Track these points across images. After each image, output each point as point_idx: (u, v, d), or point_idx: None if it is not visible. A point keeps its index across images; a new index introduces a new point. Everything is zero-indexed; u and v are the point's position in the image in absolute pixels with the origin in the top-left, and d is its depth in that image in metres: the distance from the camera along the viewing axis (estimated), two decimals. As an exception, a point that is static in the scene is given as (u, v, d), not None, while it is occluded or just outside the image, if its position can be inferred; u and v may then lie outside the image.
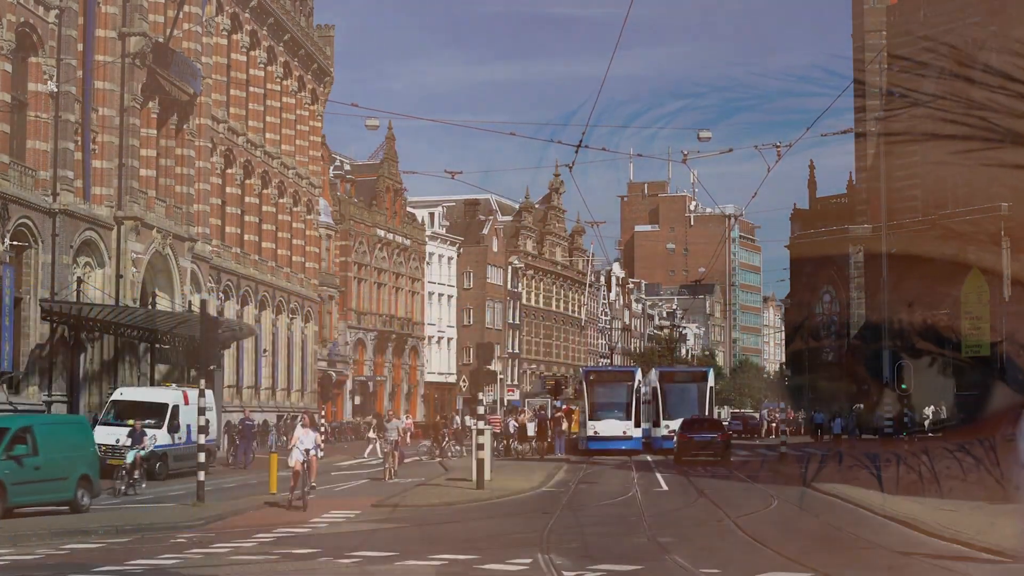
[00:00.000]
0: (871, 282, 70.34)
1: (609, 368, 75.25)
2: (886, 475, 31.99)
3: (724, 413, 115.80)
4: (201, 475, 25.06)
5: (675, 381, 52.81)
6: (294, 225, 63.81)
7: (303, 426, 26.09)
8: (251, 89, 57.61)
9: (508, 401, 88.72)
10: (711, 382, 52.48)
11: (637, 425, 49.16)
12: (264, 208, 59.76)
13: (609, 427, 48.43)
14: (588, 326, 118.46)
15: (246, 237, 58.13)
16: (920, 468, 34.35)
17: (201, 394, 25.75)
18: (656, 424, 50.30)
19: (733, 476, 34.62)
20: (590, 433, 48.81)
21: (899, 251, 65.75)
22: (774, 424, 65.13)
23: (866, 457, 38.47)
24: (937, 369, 61.20)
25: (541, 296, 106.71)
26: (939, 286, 62.55)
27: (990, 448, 33.81)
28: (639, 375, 52.22)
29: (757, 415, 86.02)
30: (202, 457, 25.50)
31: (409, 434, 60.02)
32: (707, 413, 49.26)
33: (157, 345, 44.99)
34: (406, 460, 45.04)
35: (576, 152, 33.58)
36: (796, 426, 69.67)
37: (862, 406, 60.17)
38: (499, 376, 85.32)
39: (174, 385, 39.47)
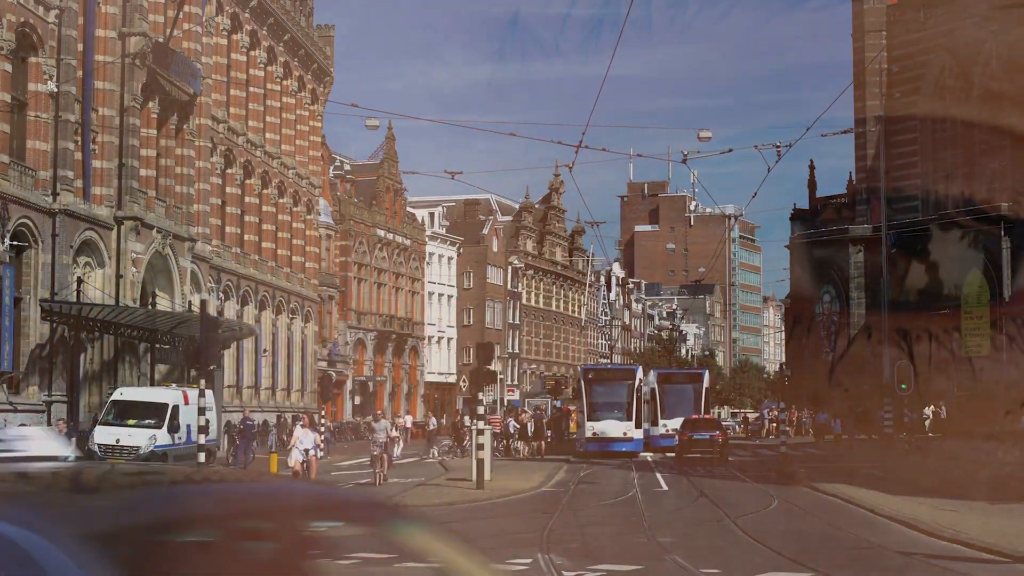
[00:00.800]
0: (871, 281, 70.28)
1: (609, 366, 72.84)
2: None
3: (724, 413, 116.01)
4: (201, 475, 25.03)
5: (673, 382, 54.59)
6: (294, 225, 63.82)
7: (303, 426, 26.03)
8: (251, 89, 57.63)
9: (508, 401, 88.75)
10: (707, 383, 54.31)
11: (638, 426, 47.58)
12: (264, 208, 59.77)
13: (609, 428, 46.77)
14: (588, 326, 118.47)
15: (246, 237, 58.14)
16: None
17: (201, 394, 25.76)
18: (654, 424, 50.78)
19: (733, 476, 34.62)
20: (588, 434, 47.11)
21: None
22: (774, 424, 65.08)
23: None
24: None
25: (541, 296, 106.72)
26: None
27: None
28: (640, 373, 50.61)
29: (758, 415, 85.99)
30: (202, 457, 25.53)
31: (408, 434, 59.91)
32: (704, 413, 50.57)
33: (157, 345, 45.00)
34: (406, 460, 45.09)
35: (576, 152, 33.78)
36: (801, 426, 69.48)
37: (870, 405, 60.01)
38: (499, 376, 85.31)
39: (174, 385, 39.45)
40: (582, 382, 50.05)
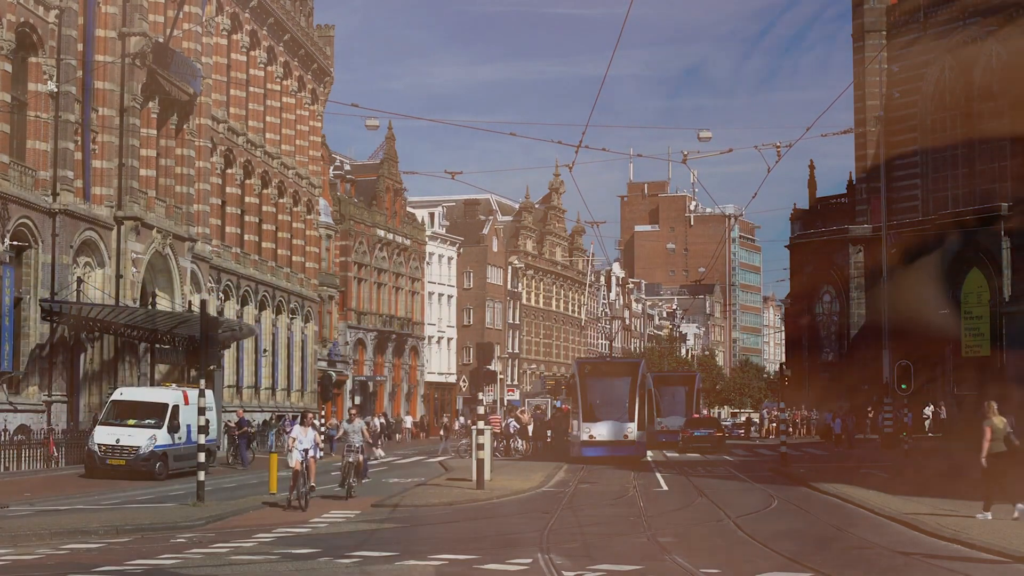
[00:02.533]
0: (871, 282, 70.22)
1: (608, 360, 64.79)
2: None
3: (724, 413, 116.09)
4: (201, 475, 25.04)
5: (667, 384, 58.95)
6: (294, 225, 63.81)
7: (302, 426, 25.92)
8: (251, 89, 57.62)
9: (508, 401, 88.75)
10: (699, 384, 60.48)
11: (641, 428, 41.44)
12: (264, 208, 59.76)
13: (608, 430, 40.52)
14: (588, 326, 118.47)
15: (246, 237, 58.13)
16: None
17: (201, 394, 25.71)
18: (651, 422, 51.00)
19: (733, 476, 34.61)
20: (584, 437, 40.31)
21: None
22: (774, 424, 65.08)
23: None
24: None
25: (541, 296, 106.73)
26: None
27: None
28: (643, 368, 44.02)
29: (757, 415, 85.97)
30: (202, 457, 25.47)
31: (408, 434, 59.61)
32: (697, 411, 56.37)
33: (157, 345, 45.00)
34: (406, 460, 45.07)
35: (576, 152, 33.81)
36: (808, 426, 69.36)
37: (870, 405, 60.05)
38: (499, 376, 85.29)
39: (174, 385, 39.41)
40: (577, 378, 42.38)
